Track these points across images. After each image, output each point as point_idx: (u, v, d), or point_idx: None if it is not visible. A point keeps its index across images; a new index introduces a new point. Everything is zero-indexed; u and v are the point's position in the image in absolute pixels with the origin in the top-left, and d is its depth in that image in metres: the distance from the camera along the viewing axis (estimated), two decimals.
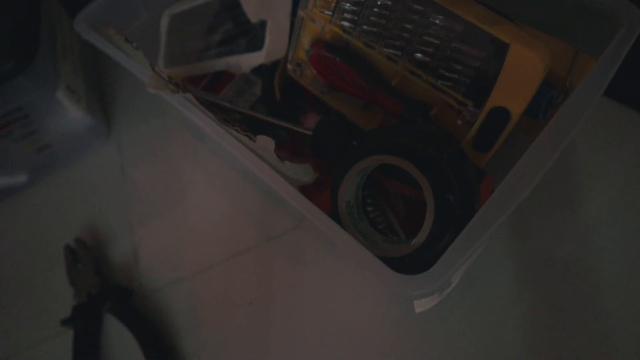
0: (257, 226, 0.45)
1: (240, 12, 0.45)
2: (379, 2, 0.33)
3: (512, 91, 0.30)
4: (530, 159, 0.27)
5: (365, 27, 0.34)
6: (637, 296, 0.34)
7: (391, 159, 0.28)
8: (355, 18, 0.34)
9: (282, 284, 0.42)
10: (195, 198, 0.49)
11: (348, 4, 0.35)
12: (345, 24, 0.35)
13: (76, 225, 0.51)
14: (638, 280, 0.35)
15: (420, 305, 0.32)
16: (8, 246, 0.52)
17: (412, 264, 0.28)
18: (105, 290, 0.44)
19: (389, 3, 0.33)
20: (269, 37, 0.40)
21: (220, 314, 0.42)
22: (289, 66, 0.41)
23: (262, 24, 0.41)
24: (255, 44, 0.42)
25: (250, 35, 0.46)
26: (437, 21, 0.32)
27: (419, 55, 0.33)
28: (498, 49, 0.29)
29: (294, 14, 0.42)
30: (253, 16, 0.42)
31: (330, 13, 0.35)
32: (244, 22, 0.45)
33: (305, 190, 0.38)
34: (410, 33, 0.33)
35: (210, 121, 0.33)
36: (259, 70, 0.45)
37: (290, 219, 0.44)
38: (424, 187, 0.28)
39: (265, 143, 0.28)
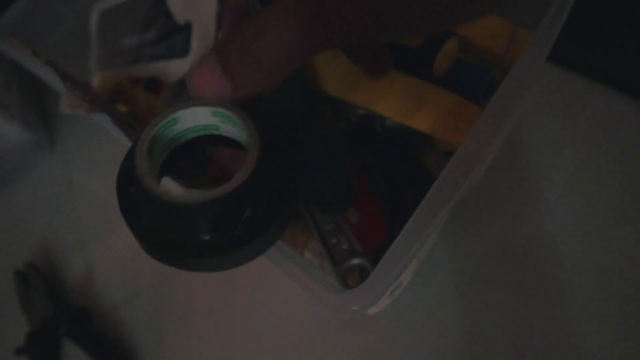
0: None
1: None
2: None
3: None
4: (474, 138, 0.25)
5: None
6: (599, 274, 0.33)
7: None
8: None
9: (241, 288, 0.41)
10: None
11: None
12: None
13: (25, 247, 0.49)
14: (600, 257, 0.34)
15: (373, 308, 0.30)
16: None
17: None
18: (59, 313, 0.42)
19: None
20: (195, 42, 0.37)
21: (182, 325, 0.41)
22: None
23: (189, 27, 0.38)
24: (185, 47, 0.39)
25: (185, 32, 0.43)
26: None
27: None
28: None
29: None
30: (179, 17, 0.39)
31: None
32: None
33: None
34: None
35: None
36: None
37: None
38: None
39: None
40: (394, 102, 0.29)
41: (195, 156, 0.24)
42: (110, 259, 0.46)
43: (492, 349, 0.33)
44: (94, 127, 0.52)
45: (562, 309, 0.33)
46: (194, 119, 0.21)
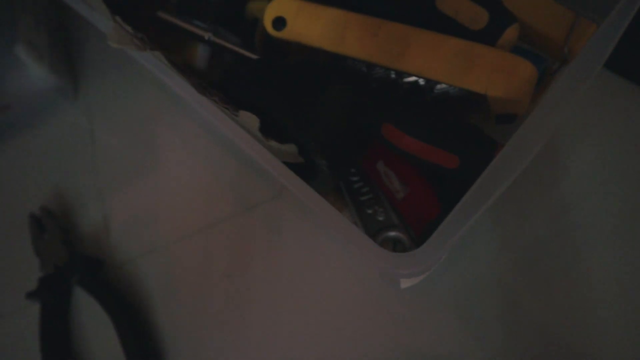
0: (235, 195, 0.43)
1: None
2: None
3: (508, 105, 0.28)
4: (526, 130, 0.25)
5: None
6: (620, 270, 0.34)
7: None
8: None
9: (261, 255, 0.40)
10: (170, 164, 0.46)
11: None
12: None
13: (41, 193, 0.48)
14: (622, 258, 0.34)
15: (407, 281, 0.30)
16: None
17: None
18: (73, 261, 0.42)
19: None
20: None
21: (197, 286, 0.41)
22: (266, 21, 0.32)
23: None
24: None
25: None
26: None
27: None
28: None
29: None
30: None
31: None
32: None
33: None
34: None
35: (186, 84, 0.30)
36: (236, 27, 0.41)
37: (270, 189, 0.42)
38: None
39: (249, 120, 0.25)
40: (445, 65, 0.28)
41: None
42: (128, 213, 0.45)
43: (513, 336, 0.34)
44: (119, 79, 0.52)
45: (584, 303, 0.34)
46: None
